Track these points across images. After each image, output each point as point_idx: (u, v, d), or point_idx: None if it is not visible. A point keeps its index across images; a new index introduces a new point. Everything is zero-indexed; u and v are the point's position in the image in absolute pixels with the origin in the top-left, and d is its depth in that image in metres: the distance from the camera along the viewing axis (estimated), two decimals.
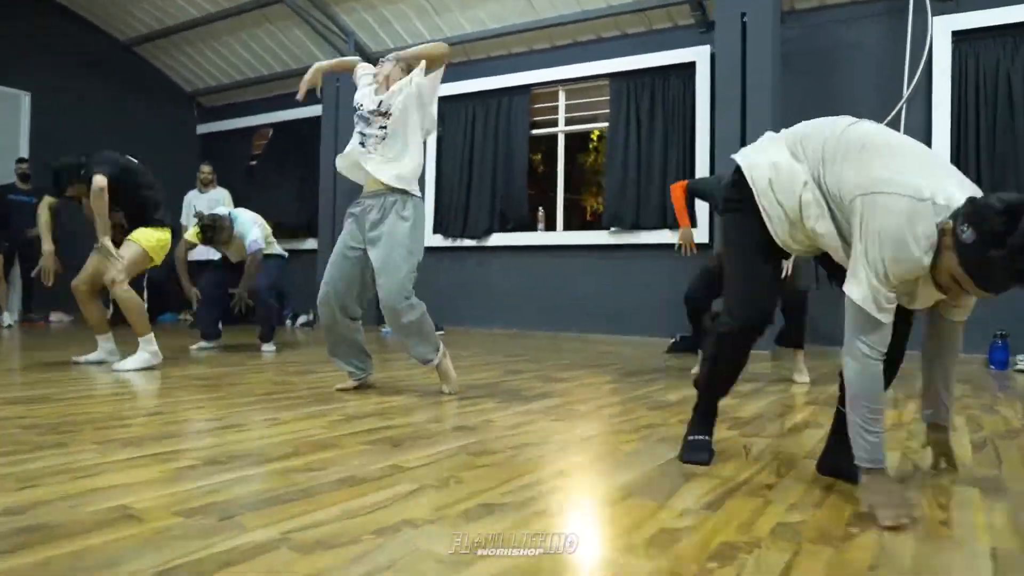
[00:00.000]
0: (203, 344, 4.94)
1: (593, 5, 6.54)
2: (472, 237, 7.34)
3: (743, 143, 5.44)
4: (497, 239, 7.24)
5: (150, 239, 3.88)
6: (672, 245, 6.34)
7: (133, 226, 3.91)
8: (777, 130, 1.97)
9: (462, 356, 4.86)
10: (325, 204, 7.72)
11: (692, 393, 3.49)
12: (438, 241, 7.53)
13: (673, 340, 5.93)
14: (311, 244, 8.09)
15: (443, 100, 7.55)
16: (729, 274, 1.94)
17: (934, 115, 5.42)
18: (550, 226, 7.28)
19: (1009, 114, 5.21)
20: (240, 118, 9.02)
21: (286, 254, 5.31)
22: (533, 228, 7.27)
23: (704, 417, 2.12)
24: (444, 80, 7.38)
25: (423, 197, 3.19)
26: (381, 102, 3.03)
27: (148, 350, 3.67)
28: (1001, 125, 5.23)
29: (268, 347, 5.00)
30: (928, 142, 5.45)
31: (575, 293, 6.77)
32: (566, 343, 6.27)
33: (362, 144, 3.05)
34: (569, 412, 2.77)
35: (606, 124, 6.84)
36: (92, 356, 3.91)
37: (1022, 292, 4.69)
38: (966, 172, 5.23)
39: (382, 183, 3.02)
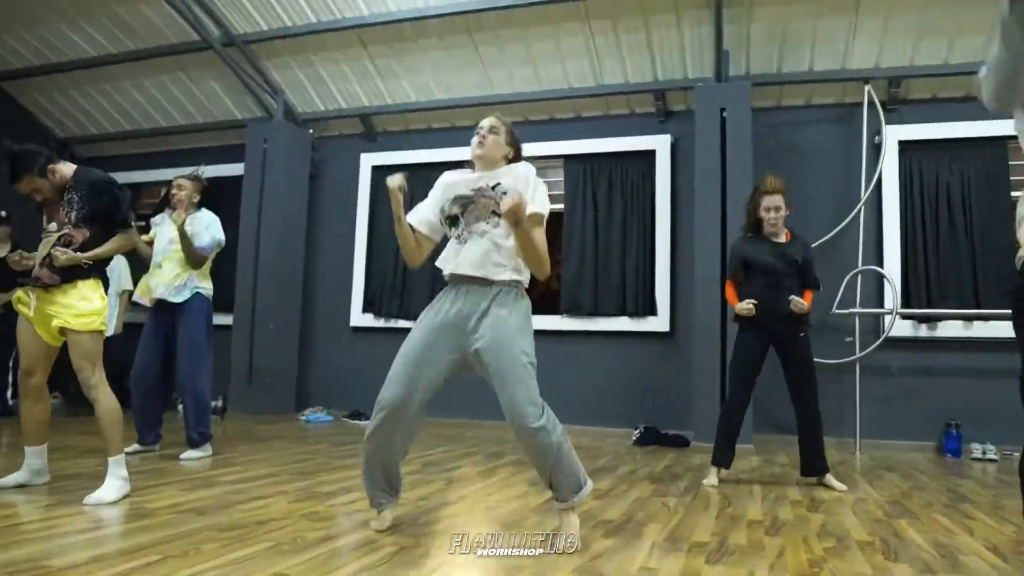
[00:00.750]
0: (138, 447, 4.00)
1: (553, 85, 6.43)
2: (409, 318, 6.77)
3: (724, 227, 5.48)
4: None
5: (93, 313, 2.89)
6: (631, 332, 6.23)
7: (67, 276, 2.87)
8: None
9: (440, 454, 4.29)
10: (244, 275, 6.82)
11: (764, 502, 3.28)
12: (368, 321, 6.90)
13: (638, 432, 5.69)
14: (224, 320, 7.07)
15: (377, 171, 7.06)
16: None
17: (884, 217, 5.75)
18: None
19: (949, 220, 5.63)
20: (127, 172, 7.89)
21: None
22: None
23: None
24: (380, 149, 6.79)
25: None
26: (495, 183, 2.45)
27: (120, 475, 2.82)
28: (944, 230, 5.64)
29: (196, 454, 3.93)
30: (879, 241, 5.76)
31: None
32: None
33: (463, 236, 2.44)
34: (720, 553, 2.37)
35: (560, 205, 6.66)
36: (12, 479, 2.95)
37: (975, 385, 4.74)
38: (916, 270, 5.62)
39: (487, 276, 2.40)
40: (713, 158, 5.52)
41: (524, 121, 6.81)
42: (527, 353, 2.35)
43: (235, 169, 7.10)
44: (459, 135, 6.87)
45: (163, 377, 4.10)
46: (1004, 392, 2.93)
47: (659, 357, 6.17)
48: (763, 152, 5.76)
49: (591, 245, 6.43)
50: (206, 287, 4.13)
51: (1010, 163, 5.56)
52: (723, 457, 3.81)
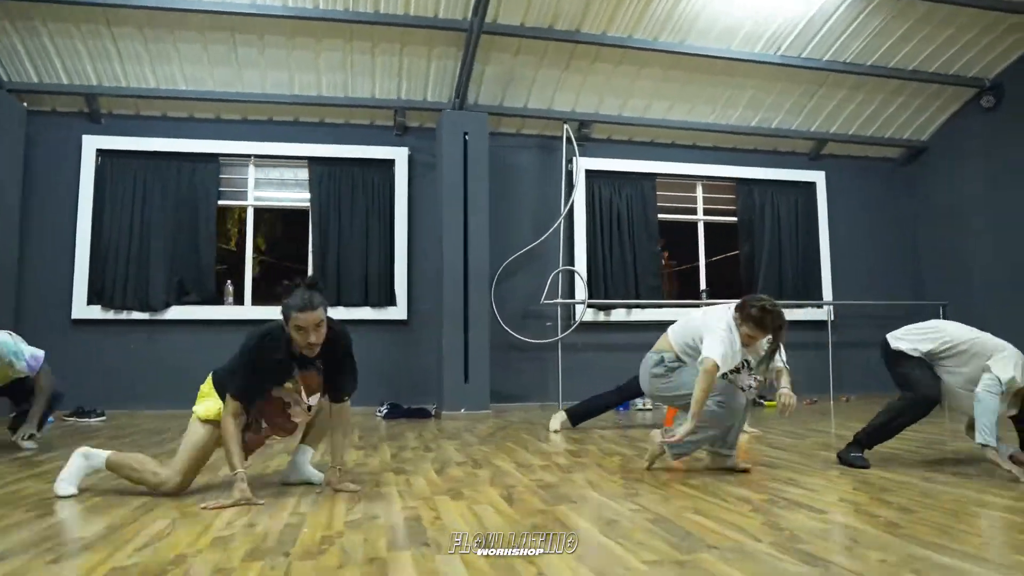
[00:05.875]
0: None
1: (305, 91, 6.81)
2: (147, 309, 6.56)
3: (466, 229, 6.50)
4: (176, 312, 6.64)
5: None
6: (373, 320, 6.95)
7: None
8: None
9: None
10: None
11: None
12: (95, 313, 6.50)
13: (385, 408, 6.46)
14: None
15: (104, 156, 6.67)
16: None
17: (575, 230, 7.37)
18: (238, 300, 7.01)
19: (618, 232, 7.47)
20: None
21: None
22: (220, 302, 6.90)
23: None
24: (106, 132, 6.33)
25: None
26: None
27: None
28: (614, 240, 7.46)
29: None
30: (571, 249, 7.35)
31: None
32: None
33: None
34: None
35: (307, 202, 7.08)
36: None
37: (634, 356, 6.26)
38: (599, 269, 7.32)
39: None
40: (457, 173, 6.56)
41: (268, 120, 7.07)
42: None
43: None
44: (197, 126, 6.88)
45: None
46: None
47: (398, 342, 7.00)
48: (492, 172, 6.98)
49: (335, 241, 6.98)
50: None
51: (657, 192, 7.61)
52: None
